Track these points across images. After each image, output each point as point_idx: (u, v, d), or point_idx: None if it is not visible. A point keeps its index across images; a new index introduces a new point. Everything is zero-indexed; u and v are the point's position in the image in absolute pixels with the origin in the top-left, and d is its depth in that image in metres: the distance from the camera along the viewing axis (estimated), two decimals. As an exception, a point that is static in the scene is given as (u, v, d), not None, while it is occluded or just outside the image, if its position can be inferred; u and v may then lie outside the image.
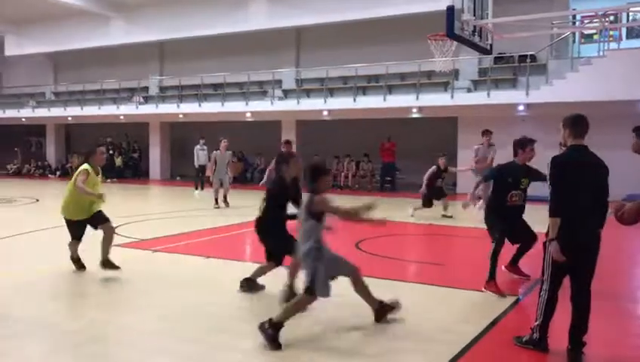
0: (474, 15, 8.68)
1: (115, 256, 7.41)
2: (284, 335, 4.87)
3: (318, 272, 5.02)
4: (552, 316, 4.70)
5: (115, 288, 6.89)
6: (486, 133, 13.04)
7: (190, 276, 7.49)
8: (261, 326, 4.92)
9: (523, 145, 6.92)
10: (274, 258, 6.53)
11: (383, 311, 5.55)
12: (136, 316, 5.74)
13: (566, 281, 4.68)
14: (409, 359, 4.65)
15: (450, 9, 8.17)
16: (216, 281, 7.28)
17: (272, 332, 4.86)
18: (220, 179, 15.14)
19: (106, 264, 7.24)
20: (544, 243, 4.69)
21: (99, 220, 7.33)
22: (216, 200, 14.96)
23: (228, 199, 15.19)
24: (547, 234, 4.64)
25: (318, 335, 5.21)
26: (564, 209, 4.53)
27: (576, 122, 4.70)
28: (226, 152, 15.71)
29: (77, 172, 7.28)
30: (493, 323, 5.54)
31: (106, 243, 7.29)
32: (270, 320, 4.92)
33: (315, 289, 4.99)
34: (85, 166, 7.29)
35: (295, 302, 5.17)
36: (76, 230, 7.39)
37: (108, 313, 5.84)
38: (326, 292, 5.05)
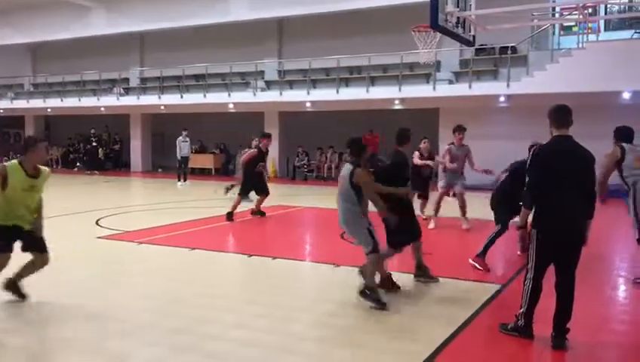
0: (457, 7, 8.73)
1: (100, 247, 7.38)
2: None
3: (370, 234, 5.78)
4: (537, 303, 4.80)
5: (101, 280, 6.86)
6: (459, 129, 10.76)
7: (176, 267, 7.51)
8: (362, 294, 5.73)
9: None
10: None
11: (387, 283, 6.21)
12: (124, 308, 5.74)
13: (550, 268, 4.78)
14: (397, 345, 4.71)
15: (435, 0, 8.21)
16: (203, 272, 7.30)
17: (374, 295, 5.69)
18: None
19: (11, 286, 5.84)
20: (529, 232, 4.79)
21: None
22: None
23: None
24: (531, 224, 4.75)
25: (311, 317, 5.26)
26: (547, 199, 4.62)
27: (560, 113, 4.78)
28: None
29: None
30: (479, 311, 5.63)
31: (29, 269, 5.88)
32: (365, 287, 5.75)
33: (375, 246, 5.77)
34: (11, 163, 5.69)
35: (370, 265, 5.86)
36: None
37: (95, 305, 5.83)
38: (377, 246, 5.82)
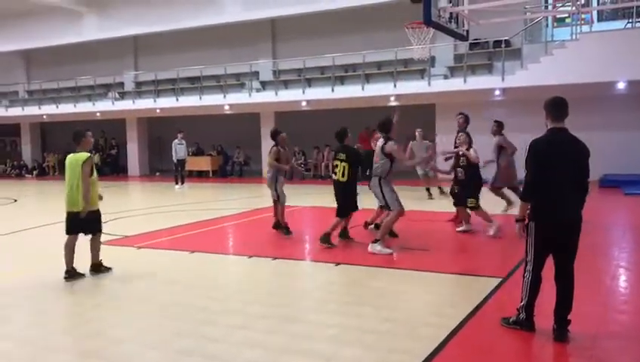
0: (450, 2, 8.75)
1: (100, 253, 7.38)
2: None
3: (392, 194, 8.05)
4: (537, 295, 4.81)
5: (102, 286, 6.86)
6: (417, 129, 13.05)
7: (177, 270, 7.51)
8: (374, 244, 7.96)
9: None
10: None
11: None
12: (125, 313, 5.74)
13: (549, 261, 4.79)
14: (399, 343, 4.72)
15: (427, -4, 8.22)
16: (203, 275, 7.30)
17: (379, 245, 7.97)
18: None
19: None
20: (526, 225, 4.80)
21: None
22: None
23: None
24: (529, 216, 4.76)
25: (309, 315, 5.27)
26: (544, 191, 4.64)
27: (555, 105, 4.78)
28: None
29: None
30: (480, 306, 5.64)
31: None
32: (375, 239, 8.04)
33: (392, 206, 8.00)
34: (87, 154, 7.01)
35: (387, 220, 8.20)
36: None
37: (97, 310, 5.83)
38: (401, 207, 8.08)
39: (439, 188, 14.44)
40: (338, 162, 8.78)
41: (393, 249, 8.12)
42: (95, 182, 6.99)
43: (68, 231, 7.03)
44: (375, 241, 8.09)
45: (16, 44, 27.55)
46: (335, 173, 8.84)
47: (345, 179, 8.65)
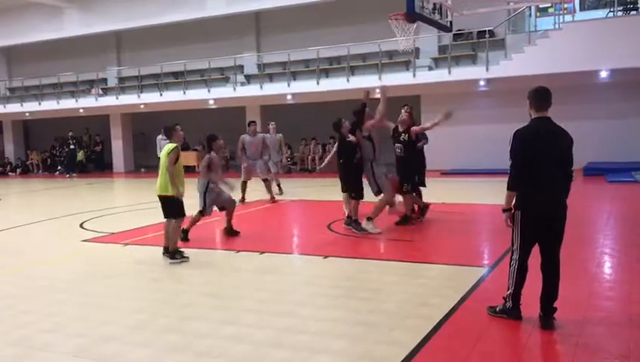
0: (433, -7, 8.77)
1: (85, 250, 7.34)
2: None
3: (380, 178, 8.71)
4: (524, 284, 4.85)
5: (88, 283, 6.81)
6: (251, 124, 13.47)
7: (163, 267, 7.47)
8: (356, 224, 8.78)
9: None
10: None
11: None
12: (112, 310, 5.70)
13: (535, 249, 4.83)
14: (386, 334, 4.74)
15: (410, -12, 8.23)
16: (189, 270, 7.28)
17: (372, 223, 8.68)
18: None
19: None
20: (513, 214, 4.82)
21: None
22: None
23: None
24: (514, 205, 4.79)
25: (298, 309, 5.27)
26: (529, 180, 4.67)
27: (539, 95, 4.80)
28: (277, 135, 14.34)
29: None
30: (467, 295, 5.68)
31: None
32: (369, 217, 8.68)
33: (384, 189, 8.68)
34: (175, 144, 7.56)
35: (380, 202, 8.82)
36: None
37: (83, 308, 5.79)
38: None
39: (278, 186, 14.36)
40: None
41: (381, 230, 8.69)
42: (180, 171, 7.56)
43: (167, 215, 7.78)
44: (369, 219, 8.67)
45: (-4, 40, 27.22)
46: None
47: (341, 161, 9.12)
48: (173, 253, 7.59)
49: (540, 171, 4.65)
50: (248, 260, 7.71)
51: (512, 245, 4.89)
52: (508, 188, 4.80)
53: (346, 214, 9.31)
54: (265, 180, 13.23)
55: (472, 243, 8.62)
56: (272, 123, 14.41)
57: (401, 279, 6.50)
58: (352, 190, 9.01)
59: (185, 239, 8.65)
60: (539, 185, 4.67)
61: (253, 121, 13.88)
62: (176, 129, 7.71)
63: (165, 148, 7.57)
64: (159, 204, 7.78)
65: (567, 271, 4.99)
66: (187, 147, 25.18)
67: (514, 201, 4.79)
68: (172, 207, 7.60)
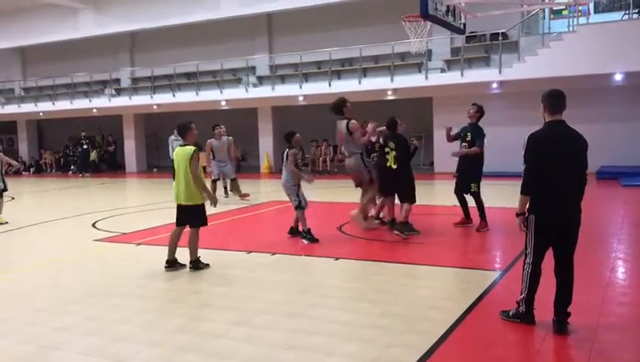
0: (446, -5, 8.74)
1: (97, 250, 7.37)
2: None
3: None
4: (537, 288, 4.81)
5: (100, 283, 6.85)
6: (216, 127, 14.13)
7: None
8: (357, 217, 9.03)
9: None
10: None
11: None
12: (124, 309, 5.73)
13: (549, 253, 4.79)
14: (398, 338, 4.72)
15: (424, -10, 8.20)
16: (202, 271, 7.28)
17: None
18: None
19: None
20: (526, 218, 4.79)
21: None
22: (225, 188, 14.65)
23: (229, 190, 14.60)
24: (528, 209, 4.76)
25: (309, 311, 5.26)
26: (544, 184, 4.63)
27: (553, 98, 4.76)
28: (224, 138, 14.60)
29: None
30: (479, 299, 5.64)
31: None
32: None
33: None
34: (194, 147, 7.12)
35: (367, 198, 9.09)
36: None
37: (95, 307, 5.82)
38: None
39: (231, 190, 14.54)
40: (389, 149, 9.03)
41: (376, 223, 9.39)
42: (201, 175, 7.17)
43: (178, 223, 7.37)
44: (365, 218, 9.26)
45: (12, 41, 27.43)
46: (387, 160, 9.08)
47: (396, 166, 8.92)
48: (196, 263, 7.20)
49: (554, 175, 4.61)
50: (260, 261, 7.72)
51: (526, 249, 4.85)
52: (522, 192, 4.76)
53: (386, 217, 9.58)
54: (233, 180, 14.18)
55: (485, 246, 8.57)
56: (222, 126, 14.50)
57: (412, 282, 6.48)
58: (413, 196, 9.03)
59: (314, 239, 8.60)
60: (553, 190, 4.63)
61: (218, 125, 14.27)
62: (191, 128, 7.21)
63: (181, 152, 7.11)
64: (169, 204, 7.73)
65: (580, 276, 4.95)
66: (199, 147, 25.28)
67: (527, 205, 4.76)
68: (196, 215, 7.18)
